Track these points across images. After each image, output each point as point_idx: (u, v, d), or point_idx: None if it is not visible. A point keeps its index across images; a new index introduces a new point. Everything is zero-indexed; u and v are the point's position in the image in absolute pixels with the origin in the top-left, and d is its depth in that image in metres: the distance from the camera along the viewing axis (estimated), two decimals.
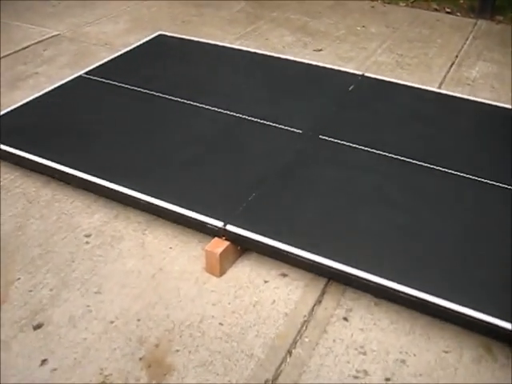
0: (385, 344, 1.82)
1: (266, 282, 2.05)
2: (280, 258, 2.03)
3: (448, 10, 4.72)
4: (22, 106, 2.87)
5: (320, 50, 3.91)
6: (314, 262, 1.93)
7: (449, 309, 1.78)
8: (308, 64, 3.35)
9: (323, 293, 2.01)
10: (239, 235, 2.03)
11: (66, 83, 3.08)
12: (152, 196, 2.20)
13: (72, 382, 1.70)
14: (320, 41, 4.07)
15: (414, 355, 1.79)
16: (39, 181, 2.52)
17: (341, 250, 1.97)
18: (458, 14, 4.68)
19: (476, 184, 2.32)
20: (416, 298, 1.81)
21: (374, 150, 2.51)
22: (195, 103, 2.87)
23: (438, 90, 3.22)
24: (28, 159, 2.45)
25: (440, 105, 2.96)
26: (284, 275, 2.07)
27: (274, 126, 2.68)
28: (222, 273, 2.05)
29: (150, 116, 2.78)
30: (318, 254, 1.94)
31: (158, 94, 2.96)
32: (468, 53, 3.93)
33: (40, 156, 2.44)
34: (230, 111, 2.79)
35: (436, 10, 4.75)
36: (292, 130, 2.65)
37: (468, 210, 2.19)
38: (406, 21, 4.49)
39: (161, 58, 3.41)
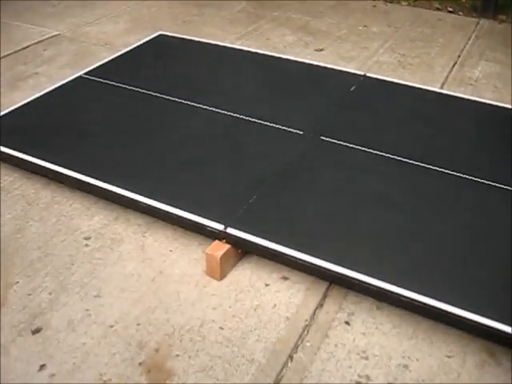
0: (387, 349, 1.80)
1: (267, 285, 2.03)
2: (281, 261, 2.01)
3: (450, 9, 4.69)
4: (21, 106, 2.85)
5: (321, 50, 3.89)
6: (316, 265, 1.91)
7: (451, 313, 1.76)
8: (309, 64, 3.33)
9: (325, 296, 1.99)
10: (240, 238, 2.01)
11: (65, 84, 3.06)
12: (152, 198, 2.18)
13: None
14: (321, 40, 4.05)
15: (417, 360, 1.77)
16: (39, 182, 2.50)
17: (342, 253, 1.95)
18: (461, 13, 4.65)
19: (479, 186, 2.30)
20: (418, 302, 1.79)
21: (376, 152, 2.49)
22: (195, 104, 2.85)
23: (440, 91, 3.19)
24: (27, 161, 2.44)
25: (443, 105, 2.94)
26: (285, 278, 2.05)
27: (275, 127, 2.66)
28: (222, 276, 2.03)
29: (151, 117, 2.76)
30: (319, 257, 1.92)
31: (158, 94, 2.94)
32: (470, 52, 3.90)
33: (39, 158, 2.42)
34: (231, 112, 2.77)
35: (438, 9, 4.72)
36: (293, 130, 2.63)
37: (470, 211, 2.17)
38: (408, 20, 4.47)
39: (161, 59, 3.39)
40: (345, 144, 2.54)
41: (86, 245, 2.19)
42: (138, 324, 1.87)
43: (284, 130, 2.64)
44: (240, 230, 2.02)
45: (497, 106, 2.94)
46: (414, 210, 2.17)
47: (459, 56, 3.84)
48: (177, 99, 2.89)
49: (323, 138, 2.58)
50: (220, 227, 2.04)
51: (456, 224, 2.11)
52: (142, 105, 2.86)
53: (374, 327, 1.88)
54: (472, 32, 4.26)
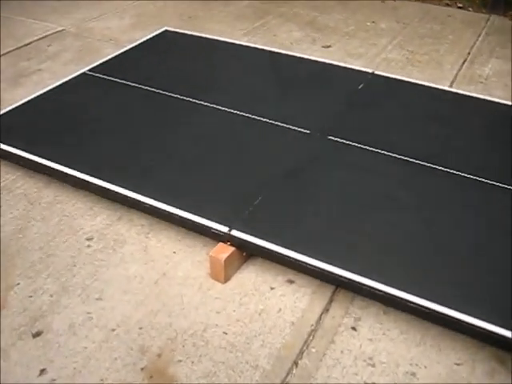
0: (394, 355, 1.76)
1: (272, 288, 1.99)
2: (286, 264, 1.96)
3: (460, 5, 4.62)
4: (24, 103, 2.82)
5: (329, 47, 3.83)
6: (322, 269, 1.86)
7: (460, 320, 1.71)
8: (317, 61, 3.28)
9: (331, 300, 1.94)
10: (245, 241, 1.97)
11: (69, 80, 3.03)
12: (155, 199, 2.14)
13: None
14: (329, 36, 3.99)
15: (425, 367, 1.73)
16: (41, 181, 2.47)
17: (349, 256, 1.91)
18: (470, 9, 4.58)
19: (494, 189, 2.24)
20: (426, 308, 1.74)
21: (385, 152, 2.44)
22: (200, 102, 2.80)
23: (450, 89, 3.13)
24: (28, 159, 2.40)
25: (452, 104, 2.88)
26: (291, 282, 2.01)
27: (281, 126, 2.61)
28: (226, 279, 1.99)
29: (155, 115, 2.72)
30: (325, 261, 1.88)
31: (163, 91, 2.89)
32: (480, 49, 3.83)
33: (41, 156, 2.39)
34: (236, 110, 2.73)
35: (447, 4, 4.65)
36: (299, 130, 2.58)
37: (482, 214, 2.12)
38: (417, 16, 4.40)
39: (166, 55, 3.35)
40: (353, 144, 2.49)
41: (89, 246, 2.15)
42: (141, 328, 1.84)
43: (290, 129, 2.59)
44: (245, 232, 1.98)
45: (508, 105, 2.88)
46: (423, 213, 2.12)
47: (469, 53, 3.78)
48: (181, 96, 2.85)
49: (331, 137, 2.53)
50: (224, 229, 2.00)
51: (468, 228, 2.06)
52: (146, 102, 2.81)
53: (381, 333, 1.83)
54: (482, 28, 4.18)
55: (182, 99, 2.83)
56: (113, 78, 3.02)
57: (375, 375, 1.70)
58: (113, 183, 2.23)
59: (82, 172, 2.29)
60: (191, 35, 3.61)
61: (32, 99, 2.85)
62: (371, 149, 2.46)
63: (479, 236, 2.03)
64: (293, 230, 2.02)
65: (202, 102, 2.80)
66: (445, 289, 1.80)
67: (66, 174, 2.31)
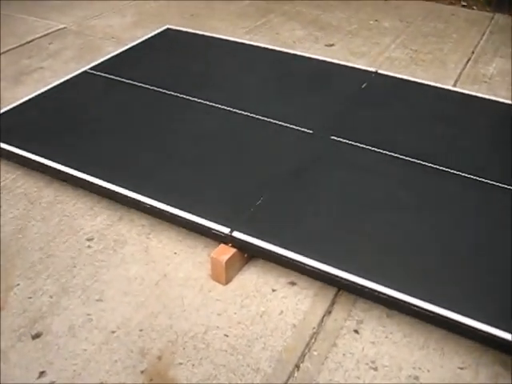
0: (397, 359, 1.74)
1: (273, 290, 1.97)
2: (288, 266, 1.94)
3: (464, 4, 4.58)
4: (24, 102, 2.80)
5: (332, 45, 3.81)
6: (324, 271, 1.84)
7: (464, 324, 1.69)
8: (320, 60, 3.25)
9: (333, 303, 1.93)
10: (246, 242, 1.95)
11: (70, 79, 3.01)
12: (157, 199, 2.12)
13: None
14: (332, 35, 3.97)
15: (428, 371, 1.71)
16: (41, 181, 2.45)
17: (352, 259, 1.89)
18: (474, 7, 4.55)
19: (499, 190, 2.22)
20: (429, 311, 1.72)
21: (388, 152, 2.41)
22: (202, 100, 2.78)
23: (453, 89, 3.10)
24: (29, 159, 2.39)
25: (456, 104, 2.85)
26: (293, 283, 1.99)
27: (284, 126, 2.59)
28: (227, 281, 1.98)
29: (156, 114, 2.70)
30: (327, 263, 1.85)
31: (164, 90, 2.87)
32: (484, 48, 3.80)
33: (41, 155, 2.37)
34: (238, 109, 2.70)
35: (451, 3, 4.62)
36: (302, 129, 2.56)
37: (486, 216, 2.10)
38: (421, 15, 4.37)
39: (168, 53, 3.32)
40: (356, 144, 2.46)
41: (89, 246, 2.14)
42: (141, 330, 1.82)
43: (293, 128, 2.57)
44: (246, 233, 1.96)
45: (511, 105, 2.86)
46: (426, 215, 2.10)
47: (473, 52, 3.75)
48: (182, 95, 2.82)
49: (333, 137, 2.51)
50: (226, 230, 1.98)
51: (471, 230, 2.04)
52: (148, 101, 2.79)
53: (383, 336, 1.81)
54: (486, 27, 4.15)
55: (183, 98, 2.81)
56: (114, 77, 3.00)
57: (377, 379, 1.68)
58: (114, 183, 2.22)
59: (82, 172, 2.28)
60: (193, 33, 3.58)
61: (33, 98, 2.83)
62: (374, 149, 2.43)
63: (484, 239, 2.00)
64: (295, 231, 2.00)
65: (203, 101, 2.77)
66: (448, 291, 1.78)
67: (67, 173, 2.30)
